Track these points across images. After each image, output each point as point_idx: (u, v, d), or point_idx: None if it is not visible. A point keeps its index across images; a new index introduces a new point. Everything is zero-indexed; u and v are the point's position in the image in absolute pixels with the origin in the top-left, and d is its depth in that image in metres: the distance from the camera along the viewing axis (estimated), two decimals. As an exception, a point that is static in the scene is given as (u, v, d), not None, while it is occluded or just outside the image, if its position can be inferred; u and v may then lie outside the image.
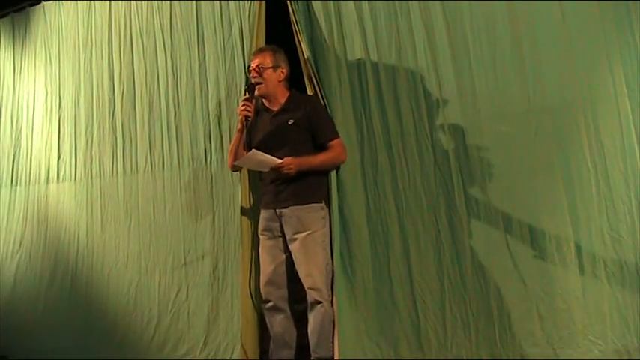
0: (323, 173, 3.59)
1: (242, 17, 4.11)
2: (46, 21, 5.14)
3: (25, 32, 5.25)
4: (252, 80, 3.60)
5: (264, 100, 3.66)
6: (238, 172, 3.96)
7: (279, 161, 3.40)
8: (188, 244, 4.17)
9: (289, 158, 3.43)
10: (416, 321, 3.42)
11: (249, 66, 3.70)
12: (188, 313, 4.11)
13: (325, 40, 3.74)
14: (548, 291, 3.17)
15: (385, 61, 3.61)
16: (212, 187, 4.12)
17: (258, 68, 3.58)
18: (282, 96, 3.64)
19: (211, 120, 4.18)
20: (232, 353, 3.90)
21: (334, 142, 3.55)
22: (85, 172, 4.74)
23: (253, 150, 3.44)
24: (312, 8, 3.80)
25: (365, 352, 3.50)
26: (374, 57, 3.64)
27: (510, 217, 3.27)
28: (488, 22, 3.37)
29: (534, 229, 3.22)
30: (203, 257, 4.09)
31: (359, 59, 3.67)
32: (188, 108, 4.29)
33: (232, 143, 3.75)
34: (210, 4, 4.26)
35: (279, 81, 3.63)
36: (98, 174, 4.66)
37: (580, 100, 3.17)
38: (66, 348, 4.48)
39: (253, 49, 3.91)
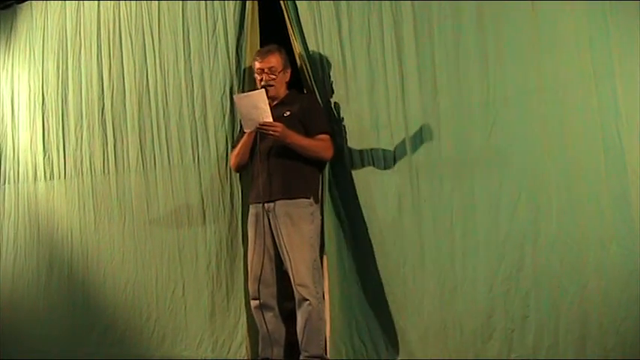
0: (314, 168, 3.60)
1: (227, 16, 4.10)
2: (32, 18, 5.10)
3: (11, 30, 5.21)
4: (265, 83, 3.62)
5: None
6: (226, 172, 4.03)
7: (271, 119, 3.40)
8: (182, 242, 4.21)
9: (280, 123, 3.44)
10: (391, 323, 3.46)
11: (249, 67, 3.82)
12: (185, 309, 4.17)
13: (310, 38, 3.78)
14: (511, 293, 3.06)
15: (356, 57, 3.60)
16: (201, 185, 4.14)
17: (271, 70, 3.63)
18: (282, 94, 3.71)
19: (197, 118, 4.19)
20: (229, 349, 3.96)
21: (323, 136, 3.57)
22: (75, 169, 4.74)
23: (262, 90, 3.47)
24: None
25: (354, 351, 3.55)
26: (347, 53, 3.63)
27: (468, 216, 3.20)
28: (455, 11, 3.27)
29: (491, 230, 3.12)
30: (197, 255, 4.14)
31: (334, 55, 3.69)
32: (175, 106, 4.28)
33: (240, 145, 3.75)
34: (195, 2, 4.24)
35: (286, 82, 3.73)
36: (89, 172, 4.67)
37: (544, 88, 3.00)
38: (67, 345, 4.58)
39: (248, 49, 3.96)
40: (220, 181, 4.06)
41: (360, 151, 3.57)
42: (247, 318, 3.88)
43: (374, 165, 3.53)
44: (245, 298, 3.88)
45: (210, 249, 4.09)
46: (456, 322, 3.20)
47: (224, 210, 4.04)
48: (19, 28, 5.18)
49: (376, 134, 3.51)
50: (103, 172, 4.60)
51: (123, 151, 4.52)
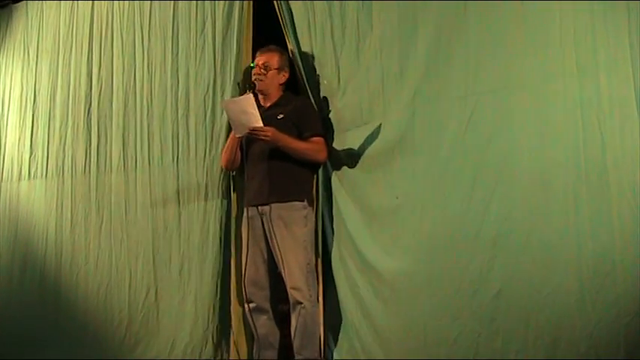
0: (307, 170, 3.61)
1: (216, 15, 4.07)
2: (28, 18, 5.06)
3: (6, 29, 5.18)
4: (255, 77, 3.65)
5: (259, 97, 3.68)
6: (203, 173, 3.99)
7: (261, 124, 3.39)
8: (157, 244, 4.11)
9: (271, 127, 3.43)
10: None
11: (249, 65, 3.80)
12: (157, 314, 4.06)
13: (304, 38, 3.79)
14: (480, 294, 2.90)
15: (344, 56, 3.59)
16: (178, 186, 4.08)
17: (264, 66, 3.65)
18: (276, 95, 3.72)
19: (179, 117, 4.13)
20: (200, 354, 3.87)
21: (316, 139, 3.57)
22: (56, 169, 4.65)
23: (250, 95, 3.46)
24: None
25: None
26: (339, 53, 3.62)
27: (437, 211, 3.08)
28: (440, 5, 3.20)
29: (462, 227, 2.98)
30: (170, 258, 4.05)
31: (326, 55, 3.68)
32: (160, 105, 4.23)
33: (229, 140, 3.74)
34: (187, 1, 4.21)
35: (280, 84, 3.73)
36: (70, 171, 4.57)
37: (524, 80, 2.88)
38: (38, 348, 4.45)
39: (244, 50, 3.96)
40: (197, 182, 3.99)
41: (342, 151, 3.54)
42: (243, 319, 3.82)
43: (351, 164, 3.49)
44: (212, 301, 3.86)
45: (183, 252, 4.00)
46: (420, 325, 3.07)
47: (198, 212, 3.97)
48: (14, 28, 5.14)
49: (357, 133, 3.47)
50: (84, 171, 4.50)
51: (106, 151, 4.44)
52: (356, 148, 3.45)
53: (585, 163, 2.65)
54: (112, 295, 4.25)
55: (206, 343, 3.85)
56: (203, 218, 3.93)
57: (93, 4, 4.64)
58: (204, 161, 3.97)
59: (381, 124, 3.32)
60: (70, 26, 4.77)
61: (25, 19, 5.08)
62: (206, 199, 3.94)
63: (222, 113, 3.93)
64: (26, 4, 5.09)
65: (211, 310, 3.85)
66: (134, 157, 4.29)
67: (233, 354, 3.82)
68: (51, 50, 4.87)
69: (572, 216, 2.67)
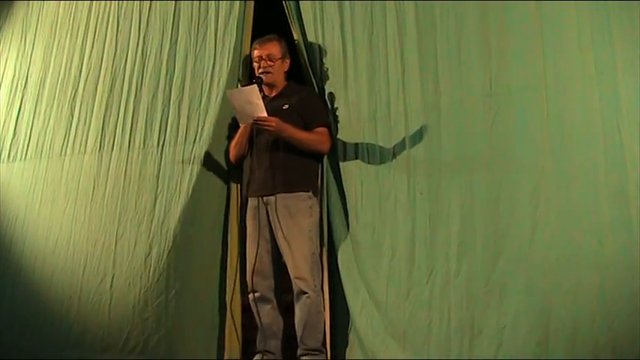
0: (312, 160, 3.57)
1: (219, 4, 4.04)
2: (29, 6, 5.00)
3: (7, 17, 5.10)
4: (262, 70, 3.60)
5: (263, 87, 3.63)
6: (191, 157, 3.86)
7: (265, 114, 3.36)
8: (122, 229, 3.90)
9: (275, 118, 3.40)
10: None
11: (247, 56, 3.82)
12: (110, 303, 3.80)
13: (310, 29, 3.78)
14: (508, 288, 2.93)
15: (357, 48, 3.59)
16: (159, 170, 3.92)
17: (269, 58, 3.62)
18: (281, 85, 3.70)
19: (172, 103, 4.02)
20: (169, 348, 3.65)
21: (321, 129, 3.54)
22: (36, 151, 4.49)
23: (255, 86, 3.41)
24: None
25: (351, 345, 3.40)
26: (349, 45, 3.62)
27: (465, 210, 3.09)
28: (458, 5, 3.27)
29: (490, 225, 3.00)
30: (135, 244, 3.82)
31: (334, 46, 3.67)
32: (150, 90, 4.12)
33: (238, 135, 3.67)
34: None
35: (284, 72, 3.71)
36: (47, 154, 4.41)
37: (544, 82, 2.95)
38: None
39: (245, 42, 3.92)
40: (182, 166, 3.83)
41: (356, 144, 3.50)
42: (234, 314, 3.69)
43: (369, 158, 3.45)
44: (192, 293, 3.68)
45: (152, 239, 3.79)
46: (444, 317, 3.04)
47: (179, 197, 3.79)
48: (14, 16, 5.05)
49: (374, 126, 3.45)
50: (60, 154, 4.33)
51: (83, 133, 4.29)
52: (373, 142, 3.43)
53: (605, 163, 2.75)
54: (65, 280, 4.01)
55: (177, 337, 3.65)
56: (185, 202, 3.75)
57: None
58: (193, 146, 3.83)
59: (422, 127, 3.29)
60: (68, 12, 4.71)
61: (26, 8, 5.01)
62: (190, 184, 3.77)
63: (216, 101, 3.85)
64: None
65: (187, 303, 3.66)
66: (112, 139, 4.15)
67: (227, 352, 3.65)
68: (47, 36, 4.79)
69: (593, 213, 2.75)
